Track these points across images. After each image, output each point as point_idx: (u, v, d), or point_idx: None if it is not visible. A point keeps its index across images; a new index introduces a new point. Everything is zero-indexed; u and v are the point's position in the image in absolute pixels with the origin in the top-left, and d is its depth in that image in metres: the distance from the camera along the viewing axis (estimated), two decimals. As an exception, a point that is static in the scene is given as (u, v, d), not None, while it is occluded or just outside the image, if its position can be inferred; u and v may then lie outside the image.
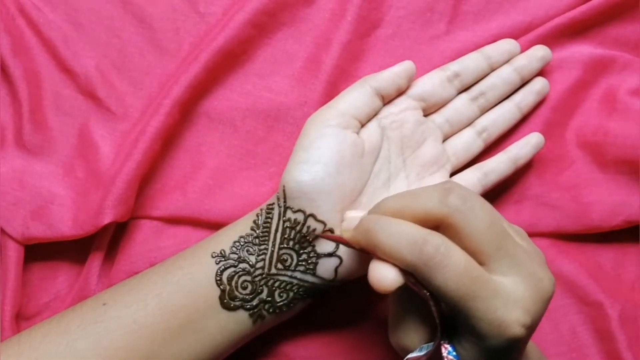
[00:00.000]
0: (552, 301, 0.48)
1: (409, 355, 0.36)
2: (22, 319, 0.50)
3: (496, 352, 0.34)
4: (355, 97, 0.45)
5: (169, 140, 0.51)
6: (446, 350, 0.34)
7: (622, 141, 0.50)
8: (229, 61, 0.51)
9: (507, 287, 0.33)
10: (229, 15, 0.51)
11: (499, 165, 0.49)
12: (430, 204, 0.35)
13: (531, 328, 0.34)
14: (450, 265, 0.33)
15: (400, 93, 0.48)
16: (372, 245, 0.35)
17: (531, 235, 0.50)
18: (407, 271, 0.34)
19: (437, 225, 0.35)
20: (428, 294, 0.34)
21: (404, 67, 0.46)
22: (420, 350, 0.36)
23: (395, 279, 0.34)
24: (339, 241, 0.40)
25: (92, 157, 0.50)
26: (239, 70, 0.52)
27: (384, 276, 0.34)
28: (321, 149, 0.43)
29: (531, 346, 0.41)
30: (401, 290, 0.36)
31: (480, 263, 0.34)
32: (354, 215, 0.41)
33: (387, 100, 0.47)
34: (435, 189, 0.35)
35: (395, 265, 0.35)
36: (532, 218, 0.51)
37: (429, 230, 0.34)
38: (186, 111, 0.51)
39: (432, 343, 0.35)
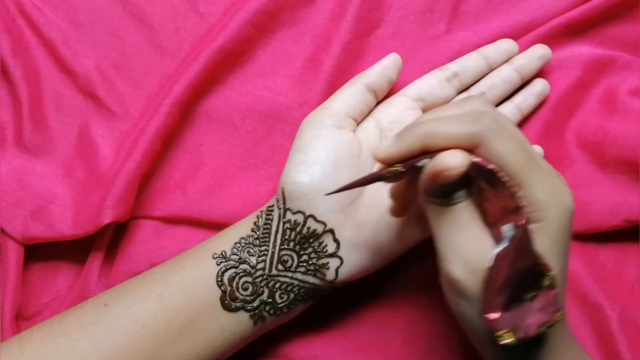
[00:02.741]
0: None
1: (495, 251, 0.34)
2: (22, 319, 0.50)
3: (557, 230, 0.35)
4: (348, 95, 0.46)
5: (169, 140, 0.51)
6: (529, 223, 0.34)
7: (622, 141, 0.50)
8: (229, 61, 0.51)
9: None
10: (229, 15, 0.51)
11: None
12: (463, 128, 0.34)
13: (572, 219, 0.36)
14: (509, 130, 0.34)
15: (392, 87, 0.48)
16: (429, 135, 0.35)
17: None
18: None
19: (471, 146, 0.34)
20: (497, 167, 0.34)
21: (391, 60, 0.47)
22: (500, 245, 0.34)
23: (463, 156, 0.34)
24: (371, 177, 0.37)
25: (92, 157, 0.50)
26: (239, 70, 0.52)
27: (451, 161, 0.33)
28: (317, 150, 0.43)
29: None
30: (443, 208, 0.36)
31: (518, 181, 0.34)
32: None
33: (380, 95, 0.47)
34: (464, 112, 0.36)
35: None
36: (532, 218, 0.51)
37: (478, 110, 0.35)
38: (186, 111, 0.51)
39: (510, 226, 0.34)
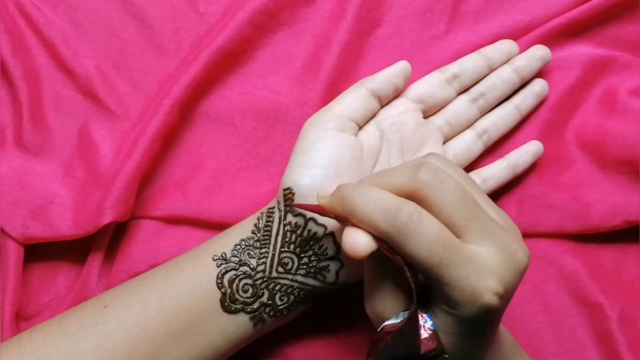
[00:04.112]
0: (551, 302, 0.49)
1: (385, 323, 0.36)
2: (22, 319, 0.50)
3: (470, 321, 0.34)
4: (352, 99, 0.46)
5: (168, 140, 0.51)
6: (423, 318, 0.34)
7: (622, 141, 0.50)
8: (229, 61, 0.51)
9: (480, 255, 0.34)
10: (229, 15, 0.51)
11: (498, 171, 0.50)
12: (402, 180, 0.35)
13: (504, 298, 0.34)
14: (423, 232, 0.33)
15: (398, 94, 0.48)
16: (347, 211, 0.35)
17: (531, 235, 0.50)
18: (381, 238, 0.34)
19: (411, 199, 0.34)
20: (402, 261, 0.34)
21: (399, 67, 0.47)
22: (397, 318, 0.36)
23: (368, 244, 0.34)
24: (313, 210, 0.39)
25: (92, 157, 0.50)
26: (239, 70, 0.52)
27: (357, 242, 0.34)
28: (319, 152, 0.43)
29: (504, 331, 0.41)
30: (376, 258, 0.36)
31: (455, 235, 0.34)
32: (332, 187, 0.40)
33: (384, 101, 0.47)
34: (409, 165, 0.36)
35: (369, 232, 0.34)
36: (532, 218, 0.51)
37: (402, 199, 0.34)
38: (186, 111, 0.51)
39: (408, 311, 0.35)
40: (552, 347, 0.50)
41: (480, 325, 0.35)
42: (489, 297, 0.33)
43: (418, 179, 0.34)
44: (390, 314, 0.36)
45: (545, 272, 0.51)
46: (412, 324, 0.34)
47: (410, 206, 0.33)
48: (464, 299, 0.33)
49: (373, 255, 0.35)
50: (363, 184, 0.36)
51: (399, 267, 0.34)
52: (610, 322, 0.49)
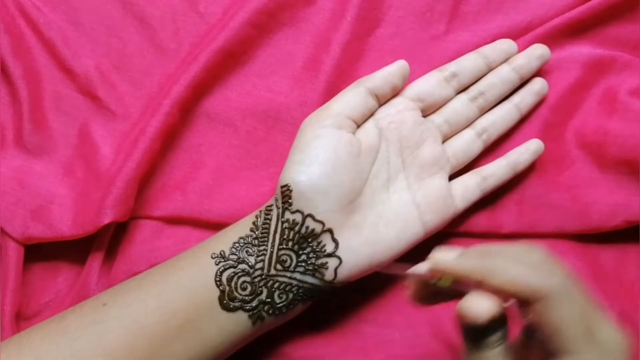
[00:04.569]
0: None
1: None
2: (22, 319, 0.50)
3: None
4: (350, 98, 0.46)
5: (168, 140, 0.51)
6: None
7: (622, 141, 0.50)
8: (229, 61, 0.51)
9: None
10: (229, 15, 0.51)
11: (498, 170, 0.49)
12: (532, 280, 0.33)
13: None
14: (577, 294, 0.33)
15: (397, 93, 0.48)
16: (492, 271, 0.34)
17: (531, 235, 0.50)
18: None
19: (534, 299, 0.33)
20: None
21: (397, 67, 0.47)
22: None
23: (491, 305, 0.33)
24: (422, 277, 0.37)
25: (92, 157, 0.50)
26: (239, 70, 0.52)
27: (478, 306, 0.33)
28: (317, 149, 0.43)
29: None
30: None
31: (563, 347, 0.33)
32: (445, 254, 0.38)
33: (383, 100, 0.47)
34: (538, 265, 0.34)
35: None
36: (532, 218, 0.51)
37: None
38: (186, 111, 0.51)
39: None
40: (552, 347, 0.49)
41: None
42: None
43: (552, 285, 0.33)
44: None
45: (546, 272, 0.51)
46: None
47: (558, 267, 0.33)
48: None
49: (479, 338, 0.34)
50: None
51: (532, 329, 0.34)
52: (611, 323, 0.49)
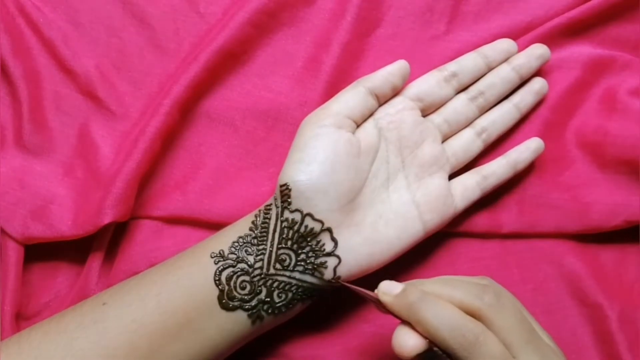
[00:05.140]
0: (551, 302, 0.49)
1: None
2: (22, 319, 0.50)
3: None
4: (349, 97, 0.46)
5: (169, 140, 0.51)
6: None
7: (622, 141, 0.50)
8: (229, 61, 0.51)
9: None
10: (229, 15, 0.51)
11: (498, 169, 0.50)
12: (468, 297, 0.38)
13: None
14: (487, 353, 0.36)
15: (397, 93, 0.48)
16: (414, 320, 0.37)
17: (531, 235, 0.50)
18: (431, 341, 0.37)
19: (472, 315, 0.37)
20: None
21: (397, 66, 0.47)
22: None
23: (417, 344, 0.37)
24: (370, 297, 0.40)
25: (92, 157, 0.50)
26: (239, 70, 0.52)
27: (407, 343, 0.37)
28: (316, 149, 0.43)
29: None
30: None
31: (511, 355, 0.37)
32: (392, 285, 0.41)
33: (382, 100, 0.47)
34: (474, 283, 0.39)
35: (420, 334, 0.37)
36: (532, 218, 0.51)
37: (470, 318, 0.37)
38: (186, 111, 0.51)
39: None
40: (552, 347, 0.49)
41: None
42: None
43: (484, 300, 0.37)
44: None
45: (545, 272, 0.51)
46: None
47: (478, 327, 0.37)
48: None
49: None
50: (430, 293, 0.38)
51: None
52: (610, 322, 0.49)
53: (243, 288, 0.42)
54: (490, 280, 0.40)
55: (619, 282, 0.51)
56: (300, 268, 0.43)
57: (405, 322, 0.38)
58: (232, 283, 0.42)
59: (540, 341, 0.38)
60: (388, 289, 0.39)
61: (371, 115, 0.47)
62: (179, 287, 0.42)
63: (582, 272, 0.50)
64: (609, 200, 0.50)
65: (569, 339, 0.50)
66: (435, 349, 0.37)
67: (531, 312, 0.49)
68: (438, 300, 0.37)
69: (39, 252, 0.50)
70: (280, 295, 0.43)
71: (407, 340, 0.37)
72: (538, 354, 0.37)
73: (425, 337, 0.37)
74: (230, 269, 0.42)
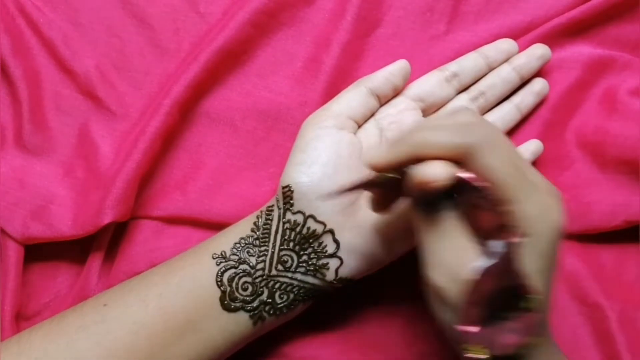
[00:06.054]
0: (551, 302, 0.49)
1: (482, 265, 0.34)
2: (22, 319, 0.50)
3: (546, 248, 0.34)
4: (350, 98, 0.46)
5: (169, 140, 0.51)
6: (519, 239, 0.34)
7: (622, 141, 0.50)
8: (229, 61, 0.51)
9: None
10: (229, 15, 0.51)
11: None
12: (451, 139, 0.35)
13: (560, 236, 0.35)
14: (501, 144, 0.34)
15: (397, 93, 0.48)
16: (420, 145, 0.35)
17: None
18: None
19: (459, 158, 0.35)
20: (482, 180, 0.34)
21: (398, 66, 0.47)
22: (485, 258, 0.34)
23: (447, 170, 0.34)
24: (365, 184, 0.38)
25: (92, 157, 0.50)
26: (239, 70, 0.52)
27: (434, 171, 0.34)
28: (318, 150, 0.43)
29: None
30: (435, 209, 0.36)
31: (507, 192, 0.34)
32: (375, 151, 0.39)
33: (383, 100, 0.47)
34: (458, 125, 0.36)
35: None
36: (533, 218, 0.51)
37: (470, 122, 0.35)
38: (186, 111, 0.51)
39: (499, 243, 0.34)
40: (552, 347, 0.49)
41: (552, 249, 0.35)
42: (558, 216, 0.35)
43: (473, 139, 0.34)
44: (465, 265, 0.34)
45: (546, 272, 0.51)
46: (514, 256, 0.33)
47: (480, 120, 0.35)
48: (538, 213, 0.34)
49: (432, 207, 0.35)
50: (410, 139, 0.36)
51: (480, 191, 0.34)
52: (610, 322, 0.49)
53: (245, 289, 0.42)
54: (478, 116, 0.38)
55: (619, 282, 0.51)
56: (302, 269, 0.43)
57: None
58: (234, 284, 0.42)
59: (534, 178, 0.35)
60: (377, 151, 0.37)
61: (372, 115, 0.47)
62: (180, 288, 0.42)
63: (582, 272, 0.50)
64: (609, 200, 0.50)
65: (569, 339, 0.50)
66: (462, 175, 0.34)
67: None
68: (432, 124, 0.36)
69: (39, 252, 0.50)
70: (282, 296, 0.43)
71: (435, 170, 0.34)
72: (533, 189, 0.34)
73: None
74: (232, 270, 0.42)
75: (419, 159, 0.35)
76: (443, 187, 0.34)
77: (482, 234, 0.35)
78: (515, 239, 0.33)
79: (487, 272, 0.34)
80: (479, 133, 0.34)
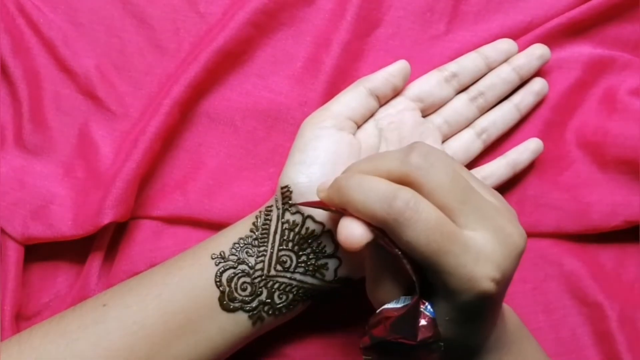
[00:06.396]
0: (551, 302, 0.49)
1: (385, 307, 0.36)
2: (22, 319, 0.50)
3: (468, 308, 0.34)
4: (350, 98, 0.46)
5: (169, 140, 0.51)
6: (424, 305, 0.34)
7: (622, 141, 0.50)
8: (229, 61, 0.51)
9: (477, 241, 0.33)
10: (229, 15, 0.51)
11: (498, 169, 0.49)
12: (393, 164, 0.35)
13: (502, 283, 0.34)
14: (420, 220, 0.32)
15: (397, 93, 0.48)
16: (344, 201, 0.35)
17: (531, 235, 0.50)
18: (379, 228, 0.34)
19: (403, 183, 0.34)
20: (399, 252, 0.34)
21: (398, 67, 0.47)
22: (397, 302, 0.35)
23: (363, 235, 0.34)
24: (315, 205, 0.39)
25: (92, 157, 0.50)
26: (239, 70, 0.52)
27: (353, 232, 0.34)
28: (317, 150, 0.43)
29: (510, 314, 0.41)
30: (375, 247, 0.36)
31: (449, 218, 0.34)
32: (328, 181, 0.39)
33: (383, 100, 0.47)
34: (400, 150, 0.36)
35: (365, 222, 0.34)
36: (532, 218, 0.51)
37: (399, 186, 0.34)
38: (186, 111, 0.51)
39: (409, 297, 0.35)
40: (552, 347, 0.49)
41: (478, 311, 0.34)
42: (486, 284, 0.33)
43: (410, 163, 0.34)
44: (390, 299, 0.36)
45: (545, 272, 0.51)
46: (413, 312, 0.34)
47: (407, 193, 0.33)
48: (461, 287, 0.33)
49: (371, 244, 0.35)
50: (356, 172, 0.36)
51: (396, 258, 0.34)
52: (610, 322, 0.49)
53: (244, 289, 0.42)
54: (421, 142, 0.36)
55: (618, 282, 0.51)
56: (301, 270, 0.43)
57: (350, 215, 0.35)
58: (232, 284, 0.42)
59: (479, 198, 0.35)
60: (322, 186, 0.38)
61: (372, 115, 0.47)
62: (179, 288, 0.42)
63: (582, 272, 0.50)
64: (609, 200, 0.50)
65: (568, 339, 0.50)
66: (381, 239, 0.34)
67: (531, 312, 0.50)
68: (364, 176, 0.35)
69: (39, 252, 0.50)
70: (280, 296, 0.43)
71: (353, 230, 0.34)
72: (477, 214, 0.34)
73: (368, 225, 0.34)
74: (231, 270, 0.42)
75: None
76: (359, 248, 0.34)
77: (407, 280, 0.36)
78: (416, 303, 0.34)
79: (389, 317, 0.35)
80: (402, 201, 0.33)
